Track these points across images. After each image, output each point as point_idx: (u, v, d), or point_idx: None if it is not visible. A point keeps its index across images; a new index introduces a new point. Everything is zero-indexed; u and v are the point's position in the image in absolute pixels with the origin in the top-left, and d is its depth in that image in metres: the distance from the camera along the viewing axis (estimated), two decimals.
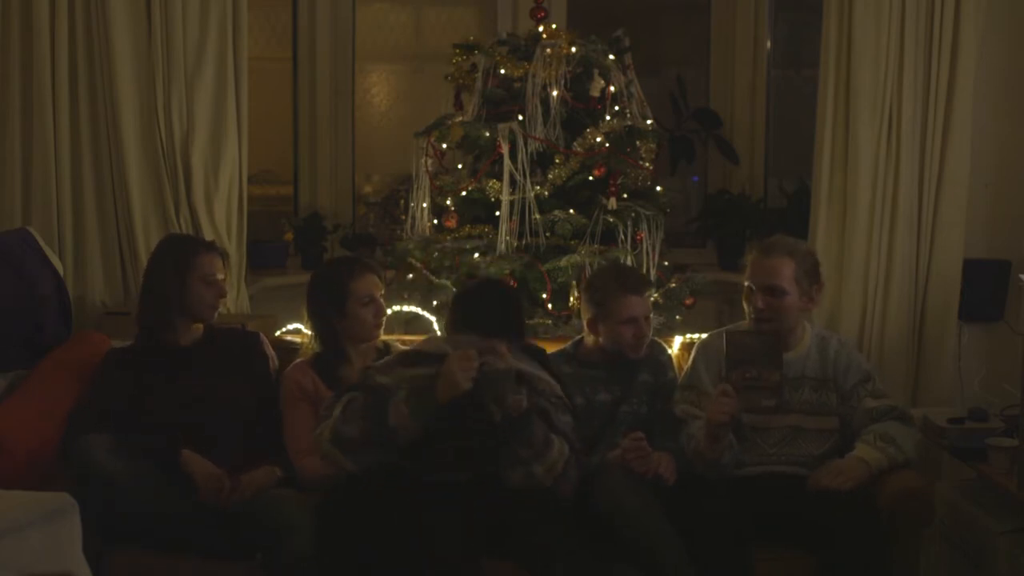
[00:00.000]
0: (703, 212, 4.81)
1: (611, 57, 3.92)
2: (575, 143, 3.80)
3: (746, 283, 3.22)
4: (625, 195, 3.82)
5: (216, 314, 3.34)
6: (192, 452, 3.05)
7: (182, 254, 3.29)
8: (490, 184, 3.77)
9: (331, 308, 3.26)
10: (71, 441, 3.03)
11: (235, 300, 3.88)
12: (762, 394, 3.04)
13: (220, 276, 3.31)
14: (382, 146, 5.16)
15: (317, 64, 4.81)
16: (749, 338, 3.10)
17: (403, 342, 3.36)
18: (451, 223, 3.83)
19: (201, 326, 3.34)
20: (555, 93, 3.77)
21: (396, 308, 3.77)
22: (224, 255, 3.40)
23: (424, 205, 3.93)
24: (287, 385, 3.25)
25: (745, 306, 3.23)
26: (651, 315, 3.31)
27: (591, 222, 3.71)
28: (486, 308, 3.13)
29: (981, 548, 3.21)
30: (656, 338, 3.41)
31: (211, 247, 3.36)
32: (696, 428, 3.10)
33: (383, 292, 3.34)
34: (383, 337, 3.35)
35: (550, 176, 3.78)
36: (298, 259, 4.73)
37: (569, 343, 3.38)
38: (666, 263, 3.90)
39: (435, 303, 3.76)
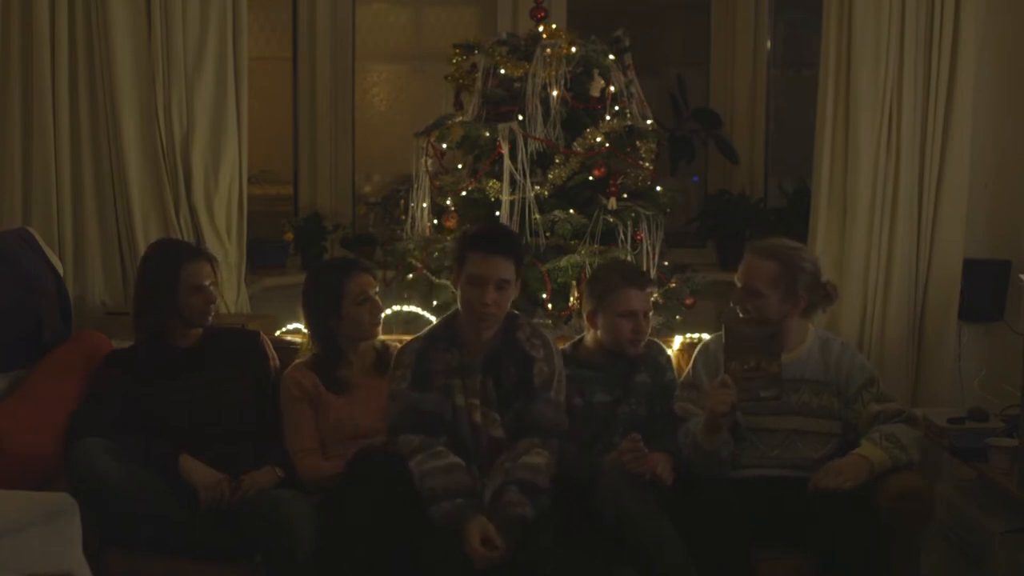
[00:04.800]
0: (703, 212, 4.81)
1: (611, 57, 3.91)
2: (575, 143, 3.80)
3: (735, 279, 3.23)
4: (625, 195, 3.82)
5: (210, 318, 3.32)
6: (191, 458, 3.05)
7: (167, 266, 3.26)
8: (490, 184, 3.76)
9: (327, 309, 3.25)
10: (70, 443, 3.03)
11: (235, 300, 3.88)
12: (761, 384, 3.03)
13: (208, 281, 3.28)
14: (382, 146, 5.15)
15: (317, 64, 4.80)
16: (749, 328, 3.09)
17: (401, 342, 3.35)
18: (451, 223, 3.83)
19: (200, 328, 3.34)
20: (555, 93, 3.76)
21: (396, 308, 3.77)
22: (211, 259, 3.36)
23: (424, 205, 3.92)
24: (287, 385, 3.24)
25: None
26: (651, 313, 3.31)
27: (591, 222, 3.71)
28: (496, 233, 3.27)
29: (981, 548, 3.22)
30: (655, 339, 3.41)
31: (197, 253, 3.33)
32: (693, 424, 3.10)
33: (378, 290, 3.33)
34: (381, 336, 3.35)
35: (550, 176, 3.78)
36: (298, 259, 4.72)
37: (568, 343, 3.38)
38: (666, 263, 3.89)
39: (435, 303, 3.76)
